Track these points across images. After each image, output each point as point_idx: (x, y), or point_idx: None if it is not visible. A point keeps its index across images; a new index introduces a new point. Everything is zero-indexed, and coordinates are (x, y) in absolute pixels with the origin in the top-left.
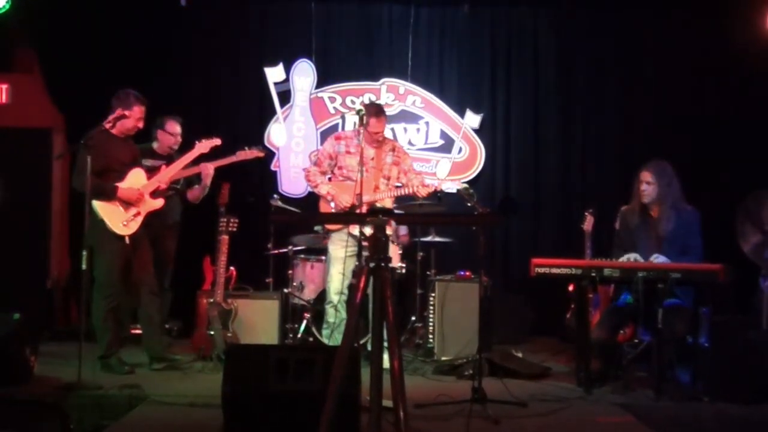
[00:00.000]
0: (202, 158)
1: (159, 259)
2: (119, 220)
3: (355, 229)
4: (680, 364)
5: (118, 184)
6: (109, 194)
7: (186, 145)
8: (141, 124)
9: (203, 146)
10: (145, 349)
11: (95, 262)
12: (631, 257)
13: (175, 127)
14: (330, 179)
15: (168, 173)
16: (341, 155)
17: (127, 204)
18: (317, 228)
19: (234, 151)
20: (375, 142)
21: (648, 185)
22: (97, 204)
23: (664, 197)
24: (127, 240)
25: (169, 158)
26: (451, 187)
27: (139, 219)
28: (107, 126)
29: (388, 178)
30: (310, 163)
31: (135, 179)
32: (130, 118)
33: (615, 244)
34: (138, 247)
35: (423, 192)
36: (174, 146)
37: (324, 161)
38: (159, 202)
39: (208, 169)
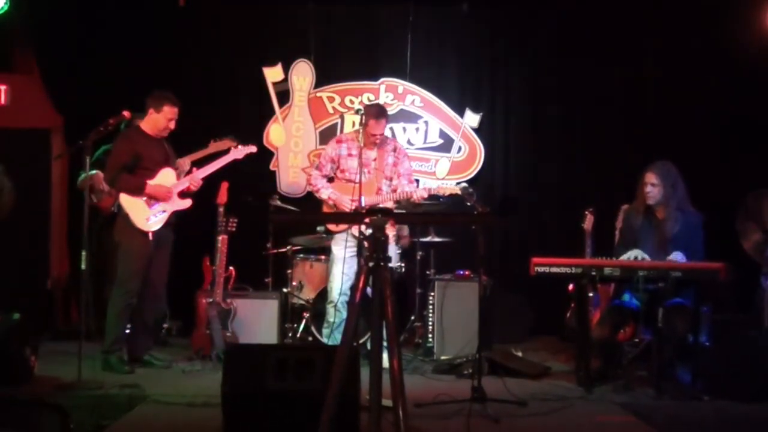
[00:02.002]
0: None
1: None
2: (143, 215)
3: (356, 231)
4: (681, 363)
5: (147, 180)
6: (137, 190)
7: (191, 146)
8: (173, 125)
9: (238, 152)
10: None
11: (119, 258)
12: (635, 254)
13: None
14: (332, 180)
15: (199, 175)
16: (343, 158)
17: (152, 200)
18: (319, 228)
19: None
20: (372, 144)
21: (653, 187)
22: (123, 198)
23: (668, 199)
24: (150, 236)
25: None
26: (446, 186)
27: (164, 216)
28: (140, 125)
29: (390, 179)
30: (308, 163)
31: (165, 178)
32: (160, 118)
33: (618, 242)
34: (160, 246)
35: (418, 195)
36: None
37: (326, 165)
38: (187, 203)
39: (186, 165)
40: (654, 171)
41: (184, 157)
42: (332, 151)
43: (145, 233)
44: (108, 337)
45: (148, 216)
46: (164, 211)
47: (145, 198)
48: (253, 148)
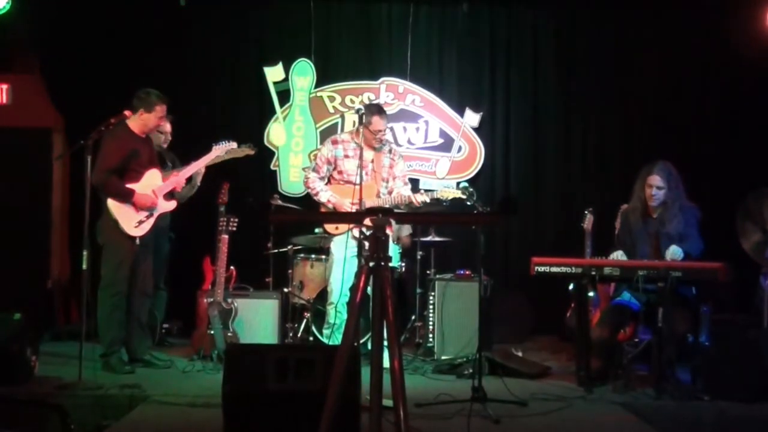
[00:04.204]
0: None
1: (155, 259)
2: (132, 221)
3: (357, 232)
4: (681, 362)
5: (134, 188)
6: (125, 197)
7: (191, 146)
8: (163, 122)
9: (220, 149)
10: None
11: (104, 260)
12: (616, 255)
13: (165, 126)
14: (329, 181)
15: (183, 176)
16: (340, 160)
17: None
18: (317, 231)
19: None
20: (376, 142)
21: (659, 190)
22: (111, 204)
23: (672, 200)
24: (138, 241)
25: (159, 156)
26: (449, 190)
27: (151, 220)
28: (128, 124)
29: (387, 181)
30: (309, 162)
31: (151, 180)
32: (152, 117)
33: (614, 243)
34: (146, 246)
35: (419, 200)
36: (163, 144)
37: (322, 167)
38: (172, 204)
39: (201, 167)
40: (658, 173)
41: (198, 160)
42: (328, 153)
43: (133, 238)
44: (104, 340)
45: (136, 222)
46: (152, 215)
47: (131, 204)
48: (233, 144)
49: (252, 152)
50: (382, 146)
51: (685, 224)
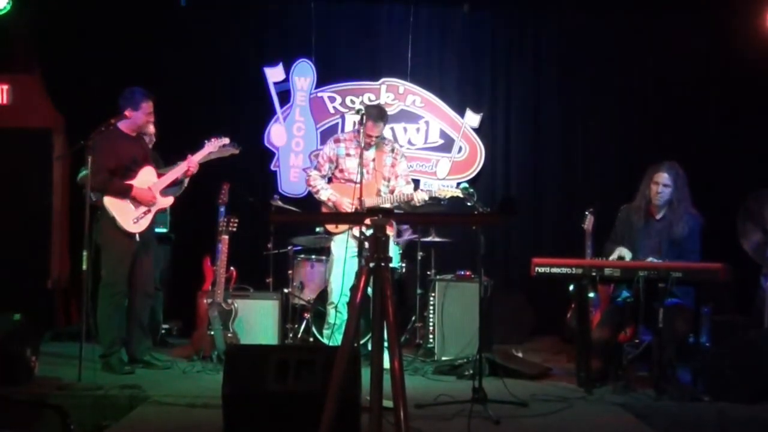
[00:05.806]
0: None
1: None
2: (130, 217)
3: (357, 232)
4: (681, 363)
5: (132, 183)
6: (123, 193)
7: (190, 146)
8: (152, 118)
9: (212, 145)
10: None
11: (103, 259)
12: (621, 254)
13: (149, 127)
14: (331, 180)
15: (176, 173)
16: (341, 158)
17: (138, 202)
18: (318, 229)
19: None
20: (368, 145)
21: (665, 188)
22: (108, 201)
23: (678, 200)
24: (137, 238)
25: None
26: (447, 189)
27: (149, 217)
28: (118, 124)
29: (388, 180)
30: (310, 163)
31: (146, 177)
32: (139, 115)
33: (610, 238)
34: (145, 245)
35: (419, 198)
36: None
37: (324, 165)
38: (169, 200)
39: (195, 167)
40: (666, 172)
41: (191, 157)
42: (330, 151)
43: (131, 234)
44: (103, 340)
45: (134, 218)
46: (149, 212)
47: (129, 200)
48: (226, 140)
49: (236, 151)
50: (384, 145)
51: (689, 232)
